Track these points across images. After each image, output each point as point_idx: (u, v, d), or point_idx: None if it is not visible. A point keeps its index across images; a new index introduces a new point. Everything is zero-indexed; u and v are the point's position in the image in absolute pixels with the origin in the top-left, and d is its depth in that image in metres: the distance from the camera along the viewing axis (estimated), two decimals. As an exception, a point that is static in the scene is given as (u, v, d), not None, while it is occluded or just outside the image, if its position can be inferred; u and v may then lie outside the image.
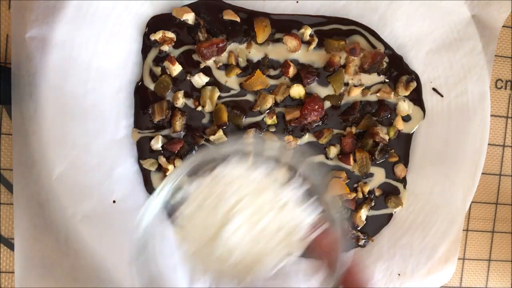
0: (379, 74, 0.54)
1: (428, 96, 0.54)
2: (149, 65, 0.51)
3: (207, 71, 0.52)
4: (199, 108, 0.52)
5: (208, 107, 0.52)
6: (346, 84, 0.53)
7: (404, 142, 0.55)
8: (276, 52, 0.52)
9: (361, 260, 0.55)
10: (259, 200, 0.35)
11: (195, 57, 0.52)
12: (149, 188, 0.53)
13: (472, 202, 0.56)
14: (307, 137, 0.54)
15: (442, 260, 0.54)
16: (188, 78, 0.52)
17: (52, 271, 0.49)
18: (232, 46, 0.52)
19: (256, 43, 0.52)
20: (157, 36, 0.50)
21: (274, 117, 0.53)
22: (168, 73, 0.51)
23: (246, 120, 0.53)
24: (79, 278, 0.50)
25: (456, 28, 0.53)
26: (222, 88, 0.52)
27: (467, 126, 0.54)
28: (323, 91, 0.53)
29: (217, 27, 0.51)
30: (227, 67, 0.52)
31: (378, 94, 0.54)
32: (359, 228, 0.55)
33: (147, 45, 0.51)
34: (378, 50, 0.53)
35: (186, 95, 0.52)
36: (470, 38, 0.52)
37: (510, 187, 0.59)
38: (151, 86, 0.51)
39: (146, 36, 0.51)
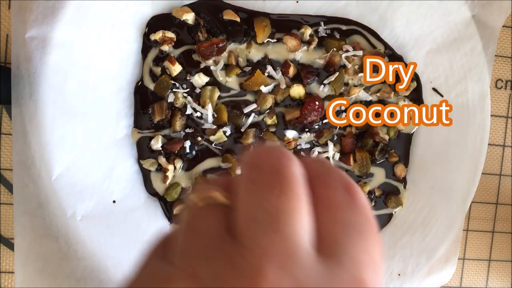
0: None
1: (428, 96, 0.54)
2: (149, 65, 0.51)
3: (207, 71, 0.52)
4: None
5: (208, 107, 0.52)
6: (346, 84, 0.53)
7: (404, 142, 0.55)
8: (276, 52, 0.52)
9: None
10: None
11: (195, 57, 0.52)
12: (149, 188, 0.53)
13: (472, 202, 0.56)
14: (307, 137, 0.53)
15: (442, 260, 0.54)
16: (188, 78, 0.52)
17: (52, 271, 0.49)
18: (232, 46, 0.52)
19: (256, 43, 0.52)
20: (157, 36, 0.50)
21: (274, 117, 0.52)
22: (168, 73, 0.51)
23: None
24: (79, 278, 0.50)
25: (456, 28, 0.52)
26: (222, 88, 0.52)
27: (467, 126, 0.54)
28: (323, 91, 0.53)
29: (217, 27, 0.51)
30: (227, 67, 0.52)
31: (378, 94, 0.54)
32: (359, 228, 0.55)
33: (147, 45, 0.51)
34: (378, 50, 0.53)
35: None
36: (470, 38, 0.52)
37: (510, 187, 0.59)
38: (151, 86, 0.51)
39: (146, 36, 0.51)
